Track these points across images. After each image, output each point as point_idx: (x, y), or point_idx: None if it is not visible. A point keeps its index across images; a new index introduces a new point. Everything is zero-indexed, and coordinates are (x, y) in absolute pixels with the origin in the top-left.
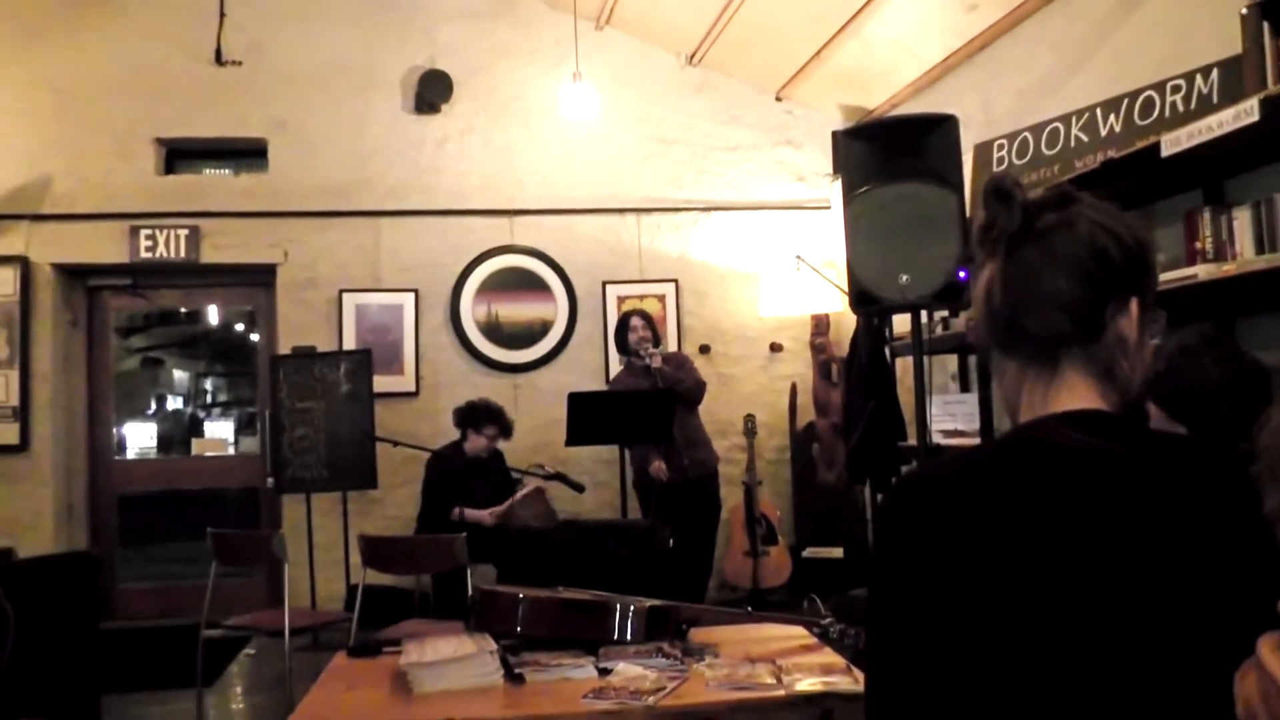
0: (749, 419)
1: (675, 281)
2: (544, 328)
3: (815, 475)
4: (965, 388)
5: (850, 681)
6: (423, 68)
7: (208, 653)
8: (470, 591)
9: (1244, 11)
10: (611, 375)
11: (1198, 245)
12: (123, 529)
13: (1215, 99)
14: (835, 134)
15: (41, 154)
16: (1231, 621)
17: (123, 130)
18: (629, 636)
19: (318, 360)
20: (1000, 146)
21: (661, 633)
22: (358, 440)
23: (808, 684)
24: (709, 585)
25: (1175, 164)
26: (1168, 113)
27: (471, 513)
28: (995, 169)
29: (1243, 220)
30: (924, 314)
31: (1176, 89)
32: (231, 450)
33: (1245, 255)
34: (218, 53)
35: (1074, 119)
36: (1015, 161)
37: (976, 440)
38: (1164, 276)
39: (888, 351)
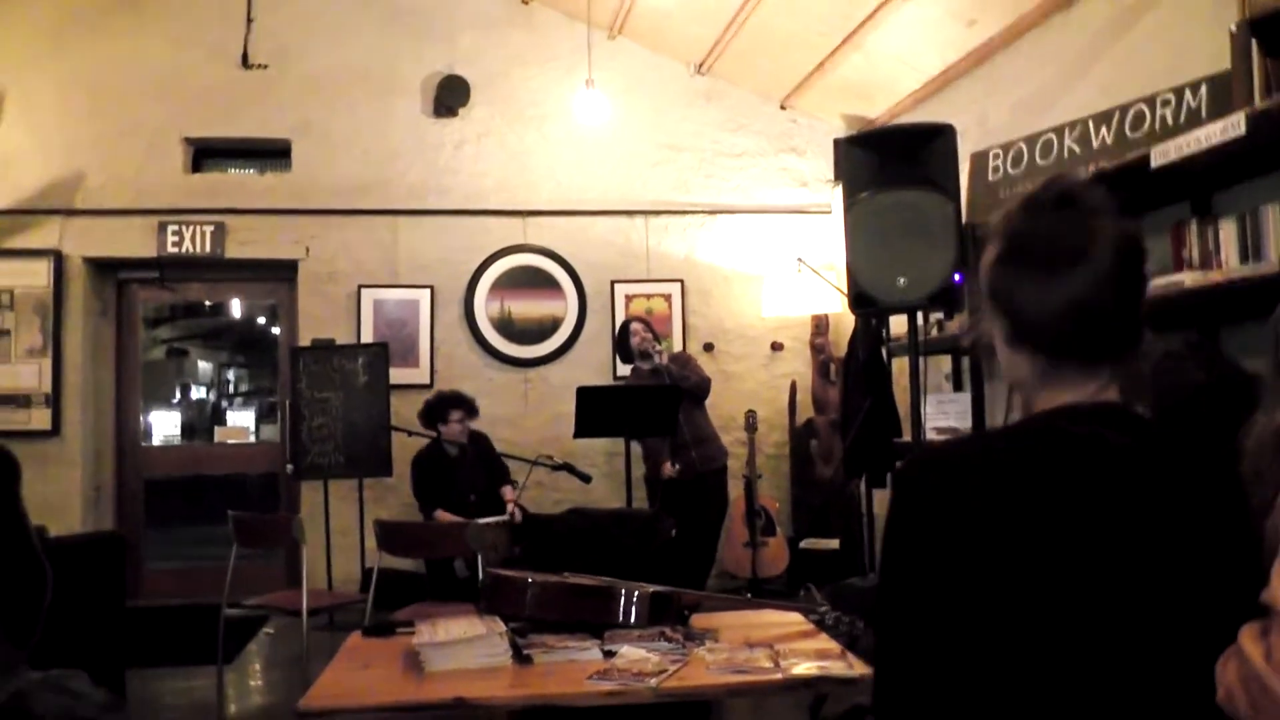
0: (750, 415)
1: (681, 282)
2: (554, 324)
3: (813, 470)
4: (958, 387)
5: (844, 667)
6: (442, 73)
7: (228, 631)
8: (482, 576)
9: (1233, 29)
10: (619, 372)
11: (1184, 254)
12: (148, 512)
13: (1204, 113)
14: (837, 142)
15: (75, 151)
16: (1220, 607)
17: (153, 130)
18: (633, 621)
19: (336, 352)
20: (995, 156)
21: (664, 618)
22: (374, 429)
23: (803, 668)
24: (709, 574)
25: (1164, 176)
26: (1158, 126)
27: (444, 516)
28: (990, 178)
29: (1228, 231)
30: (920, 316)
31: (1166, 103)
32: (253, 438)
33: (1230, 264)
34: (244, 56)
35: (1067, 130)
36: (1010, 171)
37: None
38: (1151, 284)
39: (884, 351)
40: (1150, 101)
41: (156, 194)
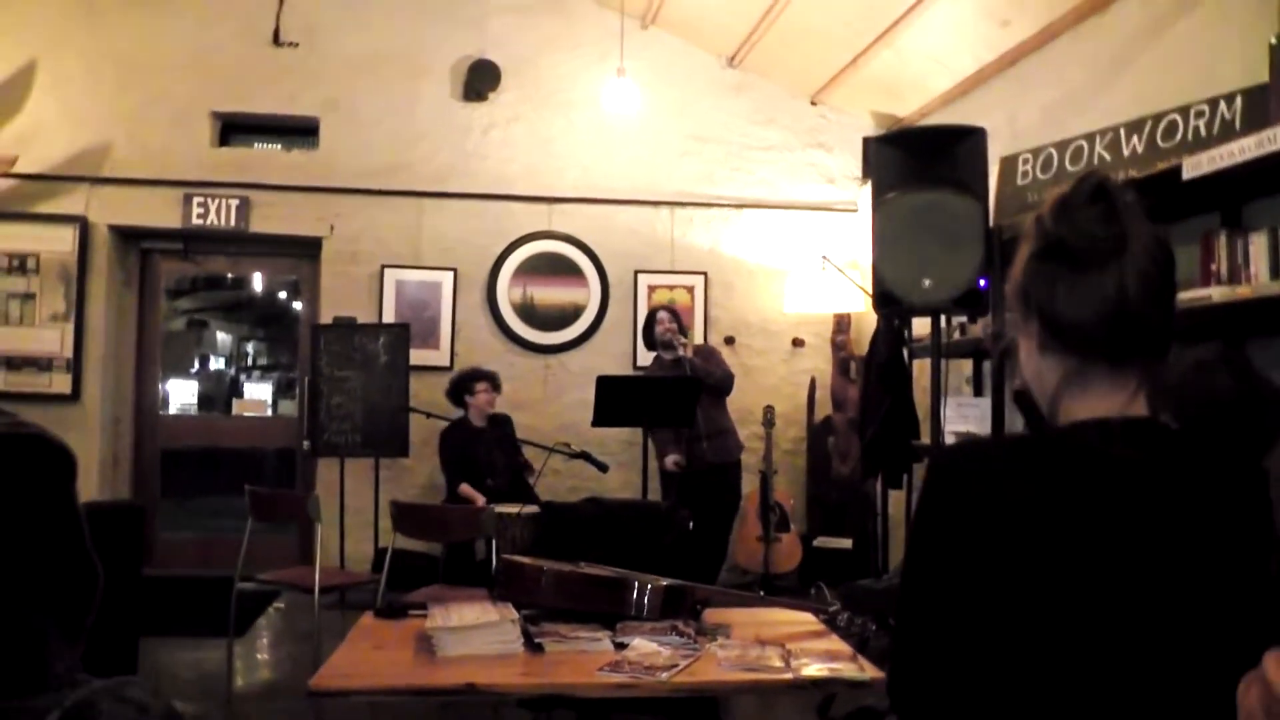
0: (768, 410)
1: (705, 274)
2: (576, 311)
3: (829, 467)
4: (979, 391)
5: (855, 669)
6: (472, 57)
7: (239, 604)
8: (496, 562)
9: (1273, 41)
10: (639, 361)
11: (1213, 267)
12: (164, 481)
13: (1238, 125)
14: (867, 140)
15: (104, 121)
16: (1243, 629)
17: (181, 102)
18: (645, 613)
19: (358, 331)
20: (1025, 160)
21: (677, 611)
22: (392, 410)
23: (814, 669)
24: (722, 568)
25: (1195, 186)
26: (1190, 136)
27: (467, 490)
28: (1020, 182)
29: (1259, 245)
30: (943, 318)
31: (1200, 114)
32: (270, 412)
33: (1260, 279)
34: (276, 33)
35: (1098, 137)
36: (1039, 175)
37: None
38: (1179, 296)
39: (906, 352)
40: (1184, 111)
41: (183, 166)
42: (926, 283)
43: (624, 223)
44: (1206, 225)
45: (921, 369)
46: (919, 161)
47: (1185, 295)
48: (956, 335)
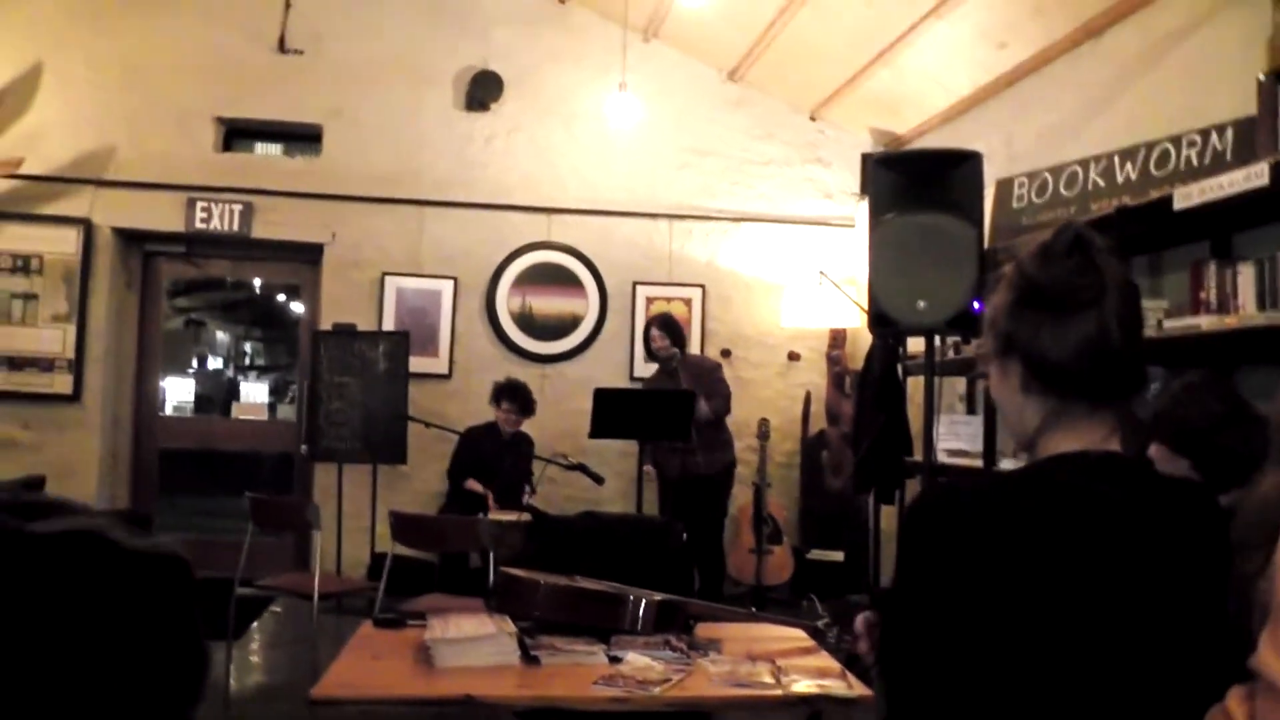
0: (763, 423)
1: (702, 287)
2: (574, 321)
3: (823, 481)
4: (971, 409)
5: (844, 687)
6: (475, 67)
7: (240, 607)
8: (493, 574)
9: (1261, 77)
10: (636, 372)
11: (1202, 296)
12: (162, 482)
13: (1229, 156)
14: (865, 159)
15: (108, 124)
16: (1207, 660)
17: (185, 107)
18: (639, 628)
19: (358, 338)
20: (1021, 184)
21: (670, 626)
22: (391, 417)
23: (804, 685)
24: (724, 579)
25: (1186, 215)
26: (1182, 165)
27: (473, 485)
28: (1015, 205)
29: (1247, 275)
30: (937, 338)
31: (1192, 144)
32: (267, 415)
33: (1247, 310)
34: (281, 40)
35: (1092, 164)
36: (1035, 200)
37: (979, 460)
38: (1167, 324)
39: (900, 370)
40: (1176, 141)
41: (187, 170)
42: (921, 304)
43: (623, 234)
44: (1197, 254)
45: (916, 386)
46: (916, 184)
47: (1175, 323)
48: (950, 354)
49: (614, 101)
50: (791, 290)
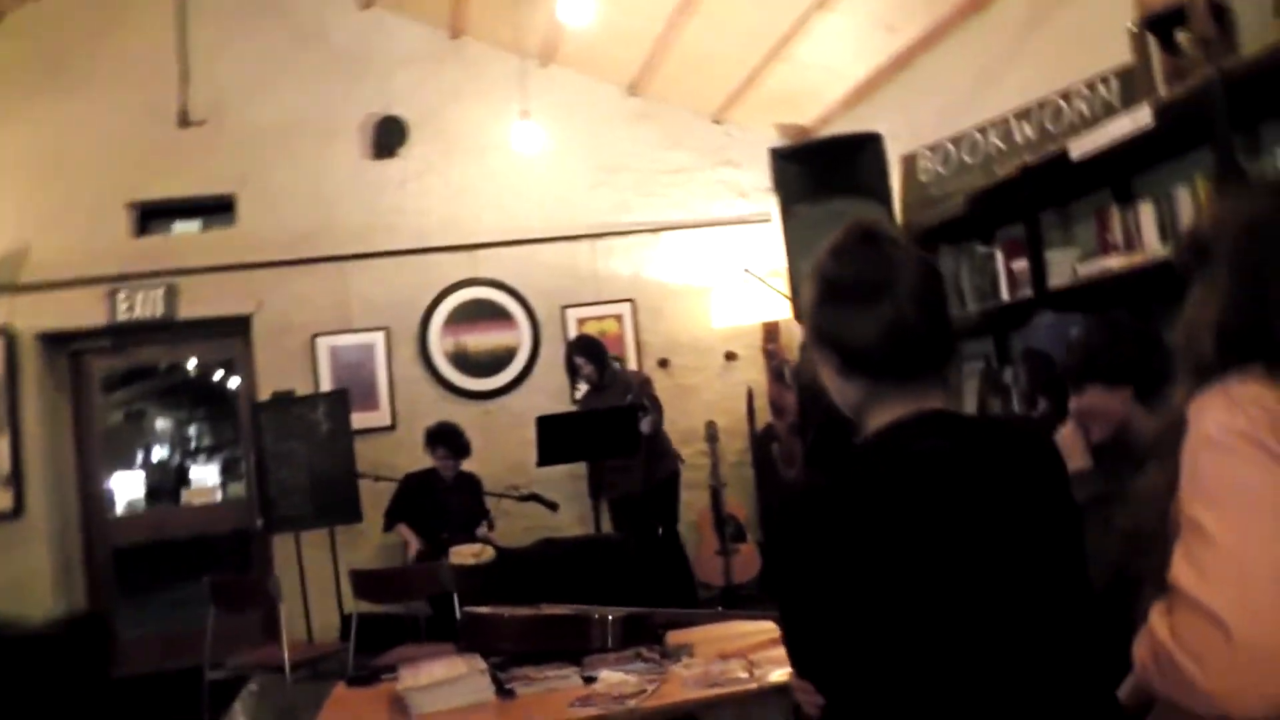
0: (710, 425)
1: (631, 301)
2: (509, 354)
3: (777, 474)
4: None
5: None
6: (378, 114)
7: (216, 693)
8: (459, 615)
9: (1131, 26)
10: (578, 395)
11: (1109, 238)
12: (120, 581)
13: (1117, 103)
14: (771, 154)
15: (18, 226)
16: (1062, 575)
17: (95, 196)
18: (610, 644)
19: (296, 403)
20: (924, 158)
21: (639, 638)
22: (340, 477)
23: (778, 675)
24: (694, 583)
25: (1086, 166)
26: (1076, 119)
27: (405, 532)
28: (921, 179)
29: (1147, 213)
30: None
31: (1082, 96)
32: (219, 496)
33: (1151, 246)
34: (182, 114)
35: (990, 129)
36: (940, 171)
37: None
38: (1081, 270)
39: None
40: (1065, 95)
41: (104, 261)
42: None
43: (546, 260)
44: (1101, 201)
45: None
46: (822, 172)
47: (1088, 268)
48: None
49: (518, 130)
50: (719, 292)
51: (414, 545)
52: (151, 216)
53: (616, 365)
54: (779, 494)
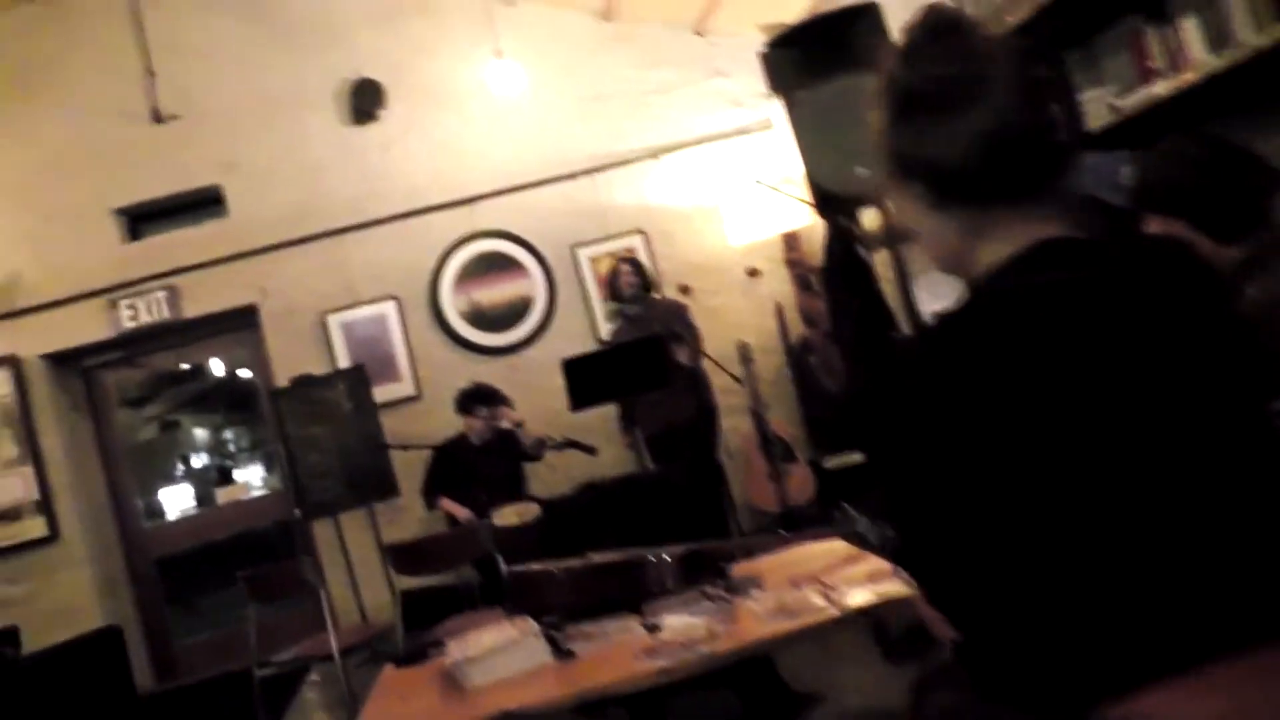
0: (742, 346)
1: (642, 232)
2: (525, 304)
3: (818, 386)
4: None
5: (900, 586)
6: (351, 79)
7: (274, 689)
8: (505, 576)
9: None
10: (601, 333)
11: (1149, 64)
12: (169, 590)
13: None
14: (763, 51)
15: (6, 252)
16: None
17: (81, 209)
18: (669, 586)
19: (315, 385)
20: None
21: (701, 576)
22: (370, 453)
23: (858, 597)
24: (736, 517)
25: None
26: None
27: (448, 504)
28: None
29: (1190, 27)
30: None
31: None
32: (258, 491)
33: (1200, 59)
34: (154, 111)
35: None
36: None
37: None
38: (1122, 104)
39: (861, 251)
40: None
41: (100, 273)
42: (861, 170)
43: (547, 202)
44: (1130, 28)
45: (882, 262)
46: (819, 54)
47: (1130, 100)
48: None
49: (494, 72)
50: (731, 207)
51: (462, 515)
52: (141, 220)
53: (656, 296)
54: (889, 360)
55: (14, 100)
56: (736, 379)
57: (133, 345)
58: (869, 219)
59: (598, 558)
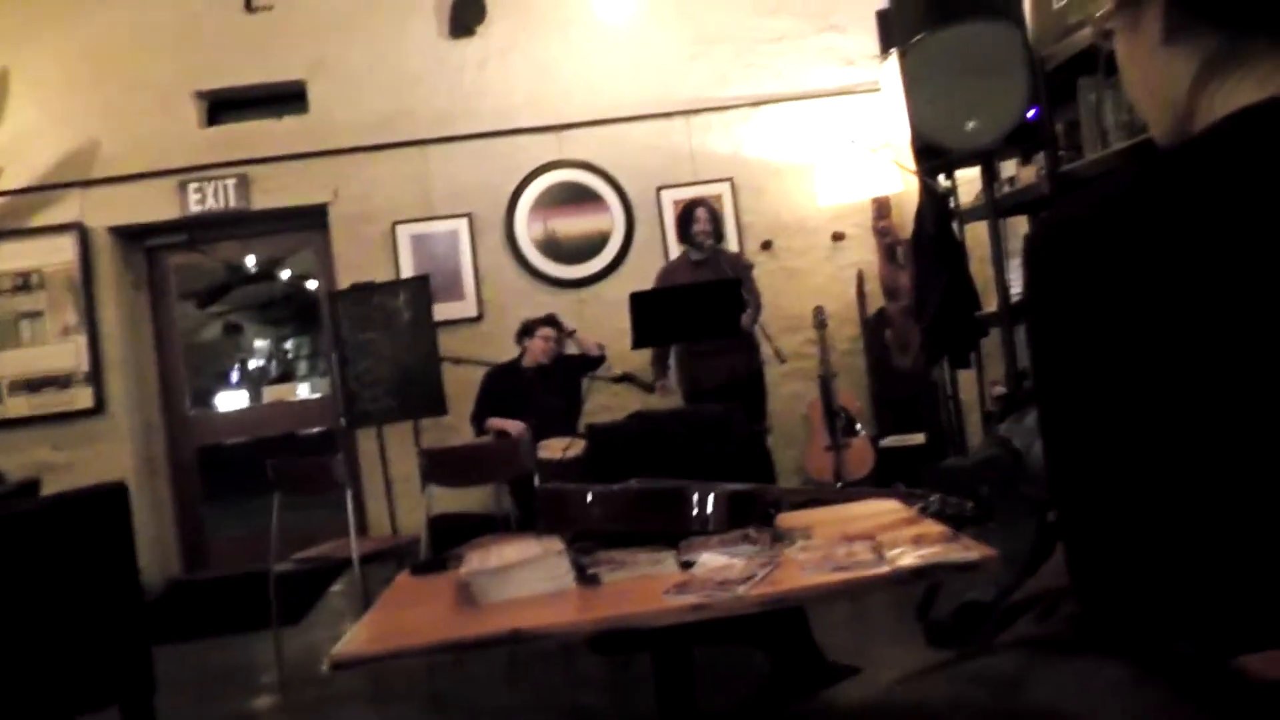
0: (818, 311)
1: (730, 180)
2: (602, 239)
3: (890, 362)
4: None
5: (959, 550)
6: None
7: (298, 590)
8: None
9: None
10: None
11: None
12: (209, 483)
13: None
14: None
15: (86, 120)
16: None
17: (163, 87)
18: (711, 526)
19: (376, 291)
20: None
21: (746, 519)
22: (423, 367)
23: (913, 558)
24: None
25: None
26: None
27: (495, 423)
28: (1055, 5)
29: None
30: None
31: None
32: (304, 394)
33: None
34: (247, 0)
35: None
36: None
37: None
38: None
39: (956, 224)
40: None
41: (174, 153)
42: (970, 124)
43: (639, 139)
44: None
45: (975, 238)
46: None
47: None
48: (1007, 189)
49: None
50: (825, 168)
51: (515, 428)
52: (221, 106)
53: (725, 249)
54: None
55: None
56: (781, 357)
57: (198, 230)
58: (966, 195)
59: (640, 484)
